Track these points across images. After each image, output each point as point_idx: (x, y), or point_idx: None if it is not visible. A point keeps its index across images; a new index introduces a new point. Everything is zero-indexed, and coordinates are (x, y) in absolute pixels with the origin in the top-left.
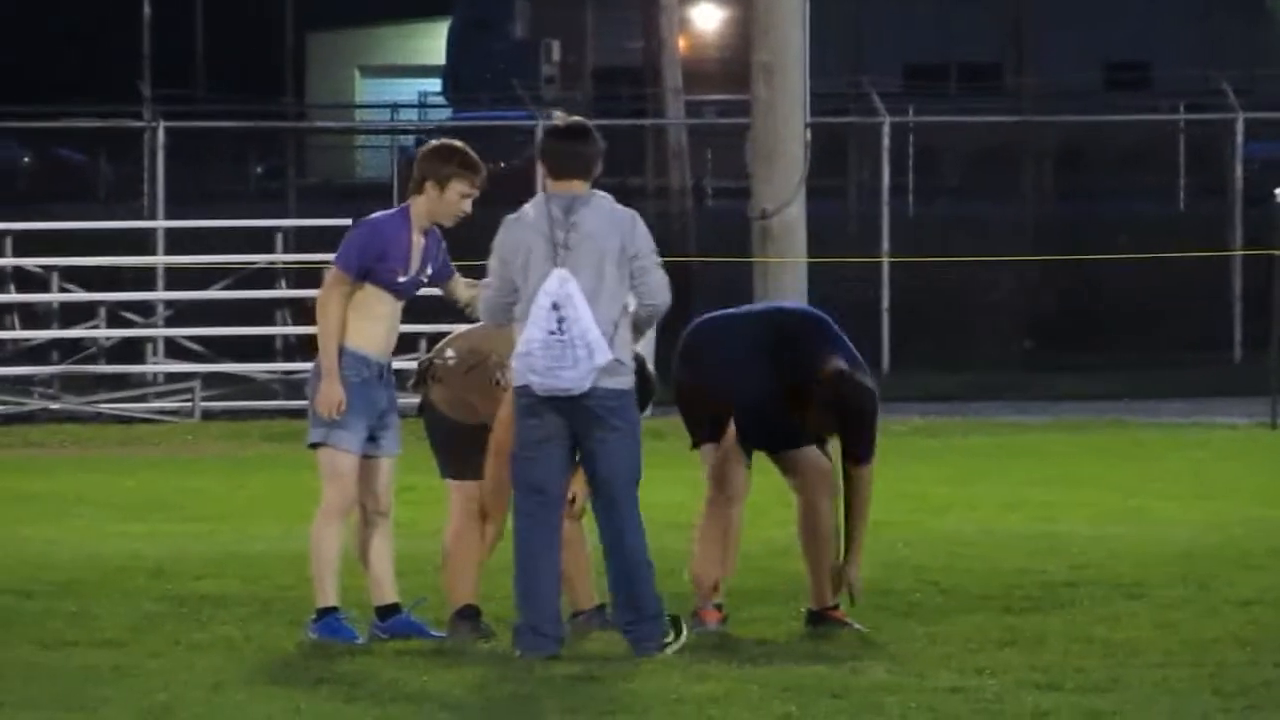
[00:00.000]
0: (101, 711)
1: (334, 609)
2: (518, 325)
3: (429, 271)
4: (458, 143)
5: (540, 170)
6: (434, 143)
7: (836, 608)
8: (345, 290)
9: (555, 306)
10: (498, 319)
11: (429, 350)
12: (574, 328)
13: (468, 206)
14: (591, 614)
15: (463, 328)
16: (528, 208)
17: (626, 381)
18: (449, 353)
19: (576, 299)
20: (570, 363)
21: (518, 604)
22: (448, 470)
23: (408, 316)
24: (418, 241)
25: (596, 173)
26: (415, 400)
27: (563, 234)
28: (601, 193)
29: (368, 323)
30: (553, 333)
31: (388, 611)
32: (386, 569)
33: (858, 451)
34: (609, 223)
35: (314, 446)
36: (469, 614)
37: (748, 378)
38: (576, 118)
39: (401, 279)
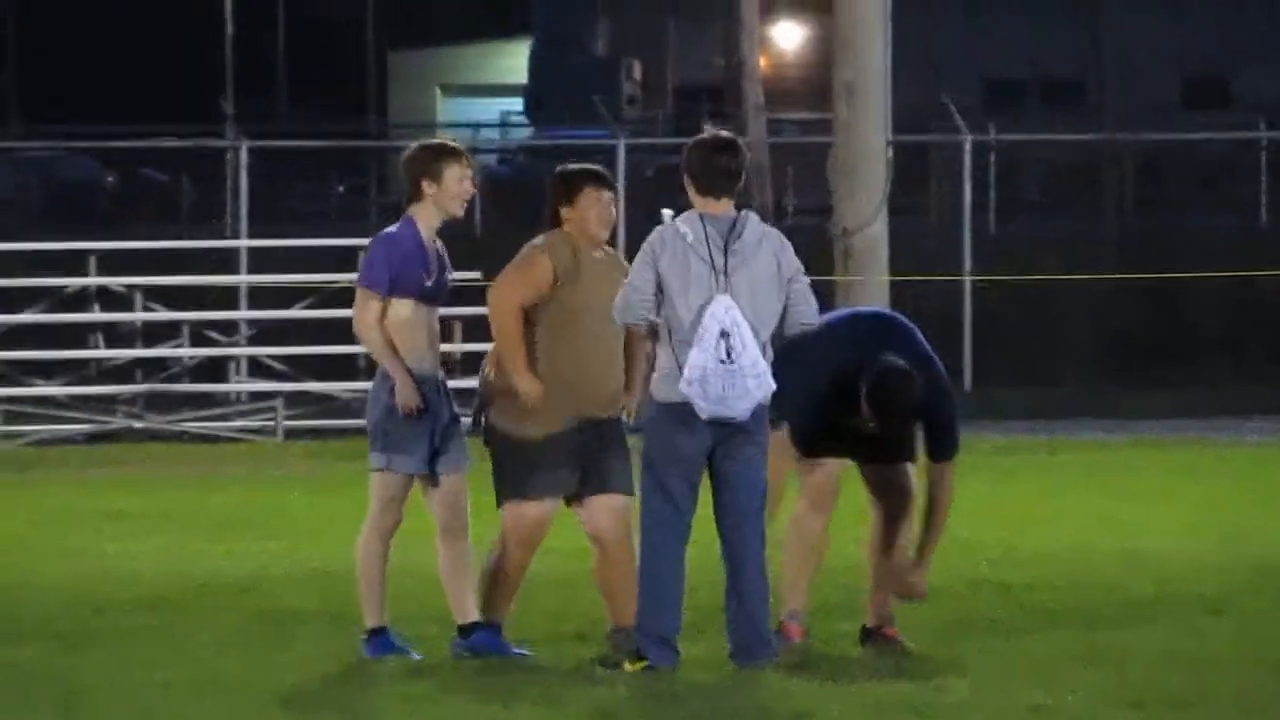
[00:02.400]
0: None
1: (383, 629)
2: (666, 347)
3: (449, 275)
4: (431, 140)
5: (689, 185)
6: (410, 148)
7: (891, 627)
8: (378, 307)
9: (724, 335)
10: (628, 319)
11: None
12: (743, 357)
13: (470, 187)
14: (631, 631)
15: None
16: (684, 226)
17: (769, 397)
18: (490, 372)
19: (743, 326)
20: (741, 392)
21: (641, 614)
22: (508, 492)
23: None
24: (430, 247)
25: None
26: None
27: (723, 259)
28: (750, 212)
29: (410, 338)
30: (723, 361)
31: (469, 629)
32: (465, 586)
33: (933, 447)
34: (765, 246)
35: (373, 471)
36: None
37: (817, 385)
38: (725, 132)
39: (428, 282)
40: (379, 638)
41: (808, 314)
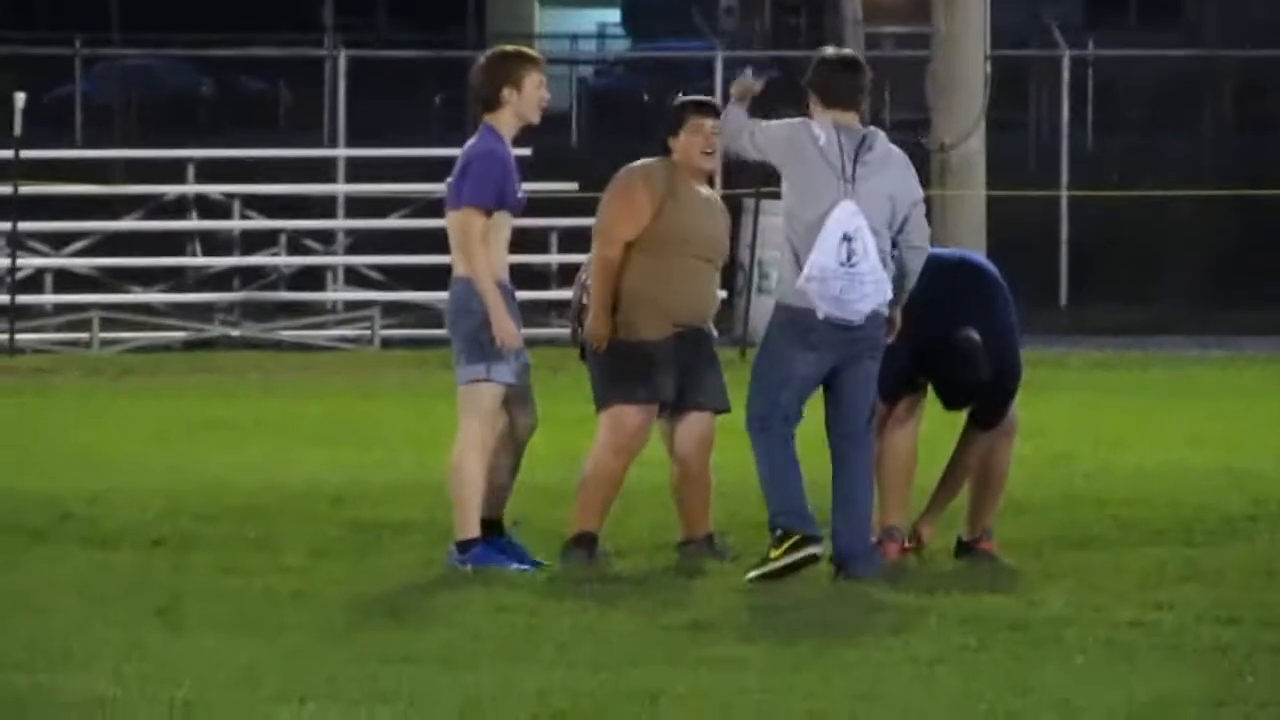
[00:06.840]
0: (283, 636)
1: (479, 539)
2: (788, 249)
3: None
4: (505, 47)
5: (814, 99)
6: (485, 56)
7: (988, 540)
8: (483, 225)
9: (846, 239)
10: (731, 136)
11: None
12: (864, 262)
13: (547, 93)
14: (701, 542)
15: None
16: (818, 129)
17: (887, 310)
18: (586, 279)
19: (866, 233)
20: (859, 295)
21: (773, 501)
22: (614, 397)
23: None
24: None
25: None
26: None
27: (851, 168)
28: (879, 130)
29: (498, 251)
30: (843, 264)
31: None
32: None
33: (979, 413)
34: (893, 164)
35: (471, 384)
36: (586, 541)
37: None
38: (847, 50)
39: (520, 195)
40: (479, 549)
41: (918, 239)
